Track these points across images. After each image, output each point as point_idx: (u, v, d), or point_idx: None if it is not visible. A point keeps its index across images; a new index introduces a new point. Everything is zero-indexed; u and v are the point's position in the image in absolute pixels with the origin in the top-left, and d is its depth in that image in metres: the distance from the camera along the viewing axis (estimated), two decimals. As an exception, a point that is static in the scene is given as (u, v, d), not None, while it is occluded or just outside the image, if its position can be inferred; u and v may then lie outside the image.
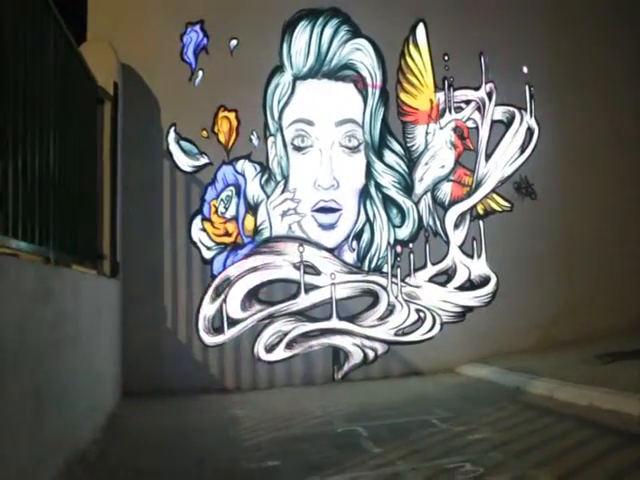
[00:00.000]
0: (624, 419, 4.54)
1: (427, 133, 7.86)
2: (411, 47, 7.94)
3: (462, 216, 7.91)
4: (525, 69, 8.37)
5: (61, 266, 4.20)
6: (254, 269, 7.16)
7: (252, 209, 7.23)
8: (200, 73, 7.23)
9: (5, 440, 2.75)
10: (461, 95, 8.06)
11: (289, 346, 7.21)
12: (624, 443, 3.96)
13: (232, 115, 7.27)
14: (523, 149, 8.27)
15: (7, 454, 2.77)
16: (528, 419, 4.84)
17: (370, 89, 7.62)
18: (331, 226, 7.43)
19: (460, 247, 7.88)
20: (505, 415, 5.03)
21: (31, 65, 3.59)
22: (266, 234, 7.24)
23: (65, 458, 3.82)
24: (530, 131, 8.33)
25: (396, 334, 7.53)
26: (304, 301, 7.25)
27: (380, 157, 7.64)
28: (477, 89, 8.13)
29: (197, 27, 7.26)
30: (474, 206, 7.97)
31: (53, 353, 3.62)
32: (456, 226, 7.88)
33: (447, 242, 7.83)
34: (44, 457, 3.40)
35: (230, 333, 7.06)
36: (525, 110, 8.33)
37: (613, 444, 3.95)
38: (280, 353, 7.18)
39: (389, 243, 7.61)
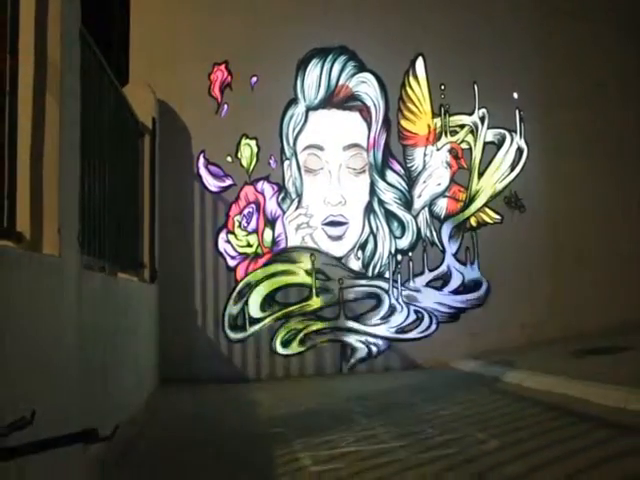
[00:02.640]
0: (571, 401, 5.49)
1: (425, 155, 8.89)
2: (411, 78, 8.97)
3: (457, 228, 8.92)
4: (515, 95, 9.35)
5: (112, 274, 5.34)
6: (272, 275, 8.27)
7: (270, 223, 8.34)
8: (225, 106, 8.37)
9: (84, 401, 3.86)
10: (456, 120, 9.06)
11: (302, 342, 8.29)
12: (560, 417, 4.96)
13: (253, 142, 8.39)
14: (513, 167, 9.24)
15: (82, 412, 3.87)
16: (492, 401, 5.88)
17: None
18: (339, 237, 8.50)
19: (455, 255, 8.89)
20: (475, 398, 6.06)
21: (93, 110, 4.71)
22: (282, 245, 8.35)
23: (119, 422, 4.95)
24: (520, 151, 9.30)
25: (397, 332, 8.56)
26: (315, 303, 8.33)
27: (383, 177, 8.70)
28: (471, 114, 9.13)
29: (222, 67, 8.41)
30: (467, 219, 8.97)
31: (113, 339, 4.76)
32: (451, 237, 8.88)
33: (443, 251, 8.84)
34: (105, 419, 4.52)
35: (251, 330, 8.18)
36: (515, 132, 9.31)
37: (551, 417, 4.97)
38: (294, 348, 8.27)
39: (390, 252, 8.65)
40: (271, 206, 8.37)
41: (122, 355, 5.15)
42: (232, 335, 8.16)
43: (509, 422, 4.90)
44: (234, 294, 8.18)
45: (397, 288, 8.62)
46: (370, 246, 8.61)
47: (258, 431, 5.10)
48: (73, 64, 3.92)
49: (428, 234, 8.80)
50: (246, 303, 8.19)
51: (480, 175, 9.08)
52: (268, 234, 8.31)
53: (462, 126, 9.09)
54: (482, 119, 9.16)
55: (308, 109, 8.56)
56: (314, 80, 8.61)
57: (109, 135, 5.38)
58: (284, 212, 8.39)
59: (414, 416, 5.34)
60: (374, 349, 8.50)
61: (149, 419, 5.54)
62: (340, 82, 8.68)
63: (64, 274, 3.43)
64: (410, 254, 8.72)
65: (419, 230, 8.77)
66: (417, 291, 8.70)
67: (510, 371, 7.10)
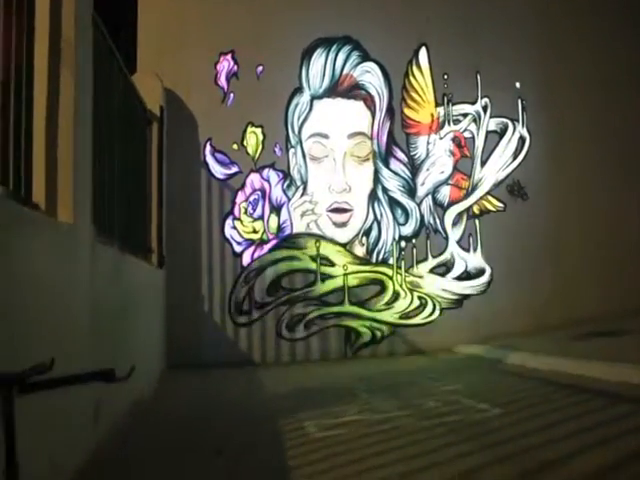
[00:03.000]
0: (574, 378, 5.57)
1: (428, 143, 9.00)
2: (414, 68, 9.09)
3: (460, 215, 9.03)
4: (517, 84, 9.44)
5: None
6: (277, 261, 8.40)
7: (276, 210, 8.47)
8: (231, 95, 8.51)
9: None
10: (459, 109, 9.18)
11: (307, 327, 8.41)
12: (561, 390, 5.07)
13: (258, 130, 8.52)
14: (515, 156, 9.34)
15: (94, 390, 3.99)
16: (495, 379, 6.00)
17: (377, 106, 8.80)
18: (343, 224, 8.63)
19: (458, 242, 9.00)
20: (477, 377, 6.18)
21: (103, 95, 4.85)
22: (288, 231, 8.48)
23: (129, 401, 5.09)
24: (522, 139, 9.40)
25: (400, 318, 8.68)
26: (320, 288, 8.45)
27: (386, 164, 8.81)
28: (473, 103, 9.24)
29: (229, 56, 8.54)
30: (470, 207, 9.08)
31: (123, 316, 4.90)
32: (454, 224, 9.00)
33: (446, 238, 8.96)
34: (115, 399, 4.64)
35: (257, 315, 8.31)
36: (517, 121, 9.41)
37: (552, 391, 5.08)
38: (300, 332, 8.40)
39: (394, 239, 8.77)
40: (276, 193, 8.49)
41: (131, 332, 5.28)
42: (238, 320, 8.29)
43: (511, 395, 5.02)
44: (240, 279, 8.32)
45: (401, 274, 8.73)
46: (374, 233, 8.72)
47: (265, 406, 5.23)
48: (86, 44, 4.06)
49: (431, 221, 8.91)
50: (252, 288, 8.32)
51: (483, 163, 9.18)
52: (273, 221, 8.44)
53: (465, 115, 9.20)
54: (485, 108, 9.26)
55: (313, 98, 8.68)
56: (319, 69, 8.73)
57: (118, 120, 5.52)
58: (289, 199, 8.52)
59: (417, 392, 5.46)
60: (378, 334, 8.61)
61: (159, 395, 5.67)
62: (344, 71, 8.80)
63: (78, 242, 3.57)
64: (414, 241, 8.84)
65: (422, 217, 8.89)
66: (420, 277, 8.81)
67: (513, 353, 7.20)
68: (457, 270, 8.97)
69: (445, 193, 9.01)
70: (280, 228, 8.46)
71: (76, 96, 3.70)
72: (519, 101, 9.43)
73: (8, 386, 1.98)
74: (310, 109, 8.66)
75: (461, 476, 2.91)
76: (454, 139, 9.10)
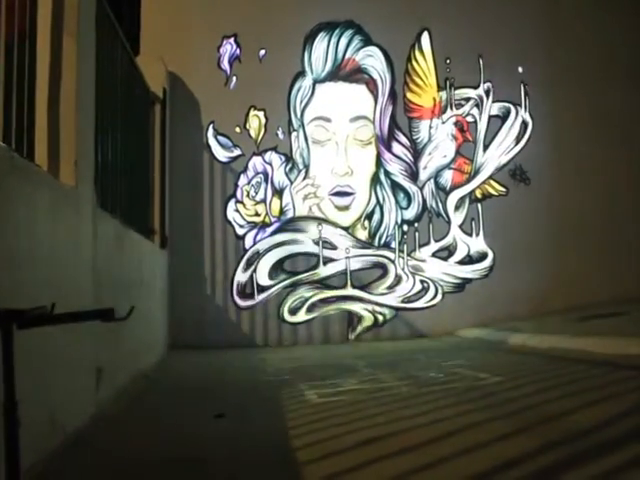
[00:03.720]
0: (573, 352, 5.59)
1: (430, 127, 9.01)
2: (416, 52, 9.10)
3: (462, 199, 9.04)
4: (520, 69, 9.43)
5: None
6: (280, 244, 8.43)
7: (278, 193, 8.50)
8: (234, 78, 8.54)
9: (102, 348, 4.02)
10: (461, 93, 9.17)
11: (309, 310, 8.45)
12: (557, 362, 5.09)
13: (261, 114, 8.55)
14: (518, 140, 9.33)
15: (97, 357, 4.02)
16: (495, 356, 6.02)
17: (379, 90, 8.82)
18: (346, 207, 8.65)
19: (460, 226, 9.01)
20: (478, 354, 6.21)
21: (107, 77, 4.90)
22: (290, 214, 8.51)
23: (131, 374, 5.13)
24: (524, 124, 9.39)
25: (403, 301, 8.70)
26: (323, 272, 8.48)
27: (389, 148, 8.83)
28: (476, 88, 9.24)
29: (231, 40, 8.57)
30: (473, 191, 9.08)
31: (125, 289, 4.94)
32: (456, 208, 9.01)
33: (448, 222, 8.96)
34: (117, 368, 4.68)
35: (259, 298, 8.35)
36: (520, 106, 9.39)
37: (548, 362, 5.11)
38: (302, 316, 8.44)
39: (396, 222, 8.79)
40: (279, 176, 8.52)
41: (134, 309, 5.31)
42: (241, 302, 8.33)
43: (511, 367, 5.06)
44: (242, 262, 8.35)
45: (403, 258, 8.75)
46: (376, 216, 8.75)
47: (267, 378, 5.27)
48: (89, 15, 4.09)
49: (434, 205, 8.93)
50: (254, 271, 8.36)
51: (485, 148, 9.18)
52: (276, 204, 8.47)
53: (467, 99, 9.19)
54: (487, 92, 9.26)
55: (315, 82, 8.71)
56: (321, 53, 8.76)
57: (121, 97, 5.55)
58: (291, 182, 8.55)
59: (418, 366, 5.49)
60: (380, 318, 8.64)
61: (162, 370, 5.72)
62: (347, 55, 8.82)
63: (80, 205, 3.61)
64: (416, 225, 8.85)
65: (425, 201, 8.90)
66: (423, 261, 8.82)
67: (514, 334, 7.22)
68: (459, 254, 8.98)
69: (447, 177, 9.02)
70: (282, 211, 8.49)
71: (78, 64, 3.73)
72: (521, 86, 9.41)
73: (8, 321, 2.01)
74: (312, 93, 8.69)
75: (459, 432, 2.93)
76: (456, 123, 9.10)
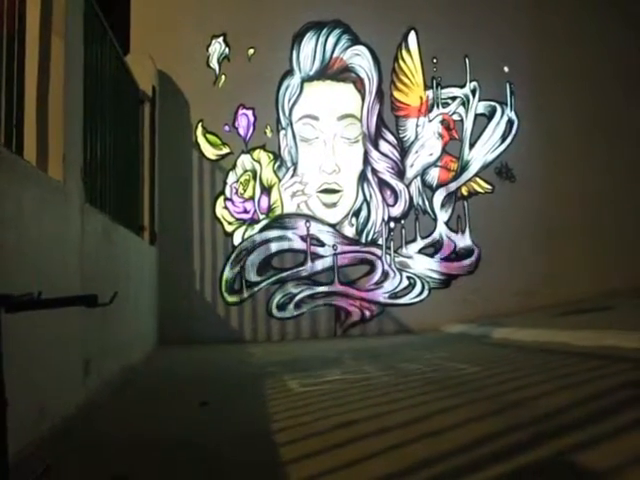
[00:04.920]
0: (553, 345, 5.72)
1: (417, 125, 9.14)
2: (403, 52, 9.22)
3: (448, 197, 9.17)
4: (506, 68, 9.56)
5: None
6: (268, 241, 8.55)
7: (266, 191, 8.61)
8: (223, 77, 8.65)
9: (90, 341, 4.12)
10: (448, 92, 9.31)
11: (297, 306, 8.57)
12: (536, 353, 5.23)
13: (250, 112, 8.67)
14: (504, 138, 9.48)
15: (85, 350, 4.13)
16: (477, 349, 6.14)
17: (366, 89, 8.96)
18: (333, 205, 8.77)
19: (446, 223, 9.14)
20: (461, 348, 6.33)
21: (96, 75, 5.00)
22: (278, 212, 8.62)
23: (120, 365, 5.23)
24: (510, 123, 9.53)
25: (389, 297, 8.83)
26: (310, 268, 8.60)
27: (376, 146, 8.96)
28: (462, 87, 9.37)
29: (220, 39, 8.68)
30: (459, 188, 9.22)
31: (113, 282, 5.04)
32: (443, 205, 9.14)
33: (435, 219, 9.10)
34: (105, 361, 4.78)
35: (248, 294, 8.46)
36: (506, 104, 9.54)
37: (527, 353, 5.24)
38: (290, 311, 8.55)
39: (383, 219, 8.91)
40: (267, 174, 8.64)
41: (122, 301, 5.42)
42: (229, 298, 8.44)
43: (490, 358, 5.20)
44: (231, 259, 8.47)
45: (390, 255, 8.88)
46: (364, 213, 8.87)
47: (252, 371, 5.39)
48: (76, 13, 4.19)
49: (420, 202, 9.06)
50: (243, 267, 8.47)
51: (471, 146, 9.32)
52: (264, 201, 8.59)
53: (454, 98, 9.33)
54: (473, 91, 9.39)
55: (303, 80, 8.83)
56: (309, 52, 8.87)
57: (110, 95, 5.65)
58: (280, 180, 8.66)
59: (401, 358, 5.62)
60: (367, 313, 8.76)
61: (150, 363, 5.83)
62: (334, 55, 8.93)
63: (68, 200, 3.71)
64: (403, 222, 8.98)
65: (411, 198, 9.03)
66: (409, 258, 8.95)
67: (498, 329, 7.36)
68: (445, 251, 9.11)
69: (434, 175, 9.15)
70: (271, 208, 8.61)
71: (66, 62, 3.84)
72: (507, 85, 9.55)
73: (-5, 305, 2.12)
74: (300, 91, 8.81)
75: (430, 416, 3.06)
76: (443, 122, 9.24)
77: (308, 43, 8.89)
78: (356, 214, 8.85)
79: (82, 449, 2.86)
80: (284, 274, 8.56)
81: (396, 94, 9.15)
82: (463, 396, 3.49)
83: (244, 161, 8.60)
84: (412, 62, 9.24)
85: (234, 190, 8.55)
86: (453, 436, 2.66)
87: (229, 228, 8.52)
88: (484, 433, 2.65)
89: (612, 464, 2.16)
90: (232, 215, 8.53)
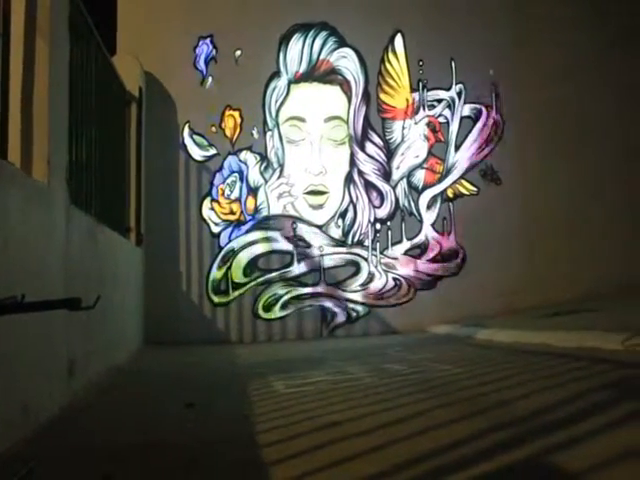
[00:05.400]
0: (534, 346, 5.80)
1: (403, 128, 9.20)
2: (390, 54, 9.28)
3: (434, 199, 9.23)
4: (491, 71, 9.64)
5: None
6: (254, 242, 8.58)
7: (253, 192, 8.63)
8: (210, 79, 8.67)
9: (75, 341, 4.12)
10: (434, 95, 9.37)
11: (284, 307, 8.60)
12: (518, 354, 5.29)
13: (236, 113, 8.69)
14: (489, 141, 9.55)
15: (69, 350, 4.13)
16: (460, 350, 6.20)
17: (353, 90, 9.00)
18: (320, 206, 8.81)
19: (432, 225, 9.20)
20: (445, 349, 6.38)
21: (82, 76, 5.00)
22: (265, 213, 8.65)
23: (105, 366, 5.23)
24: (495, 125, 9.61)
25: (375, 298, 8.87)
26: (297, 269, 8.63)
27: (362, 148, 9.01)
28: (448, 89, 9.44)
29: (208, 40, 8.69)
30: (444, 190, 9.28)
31: (98, 286, 5.04)
32: (428, 207, 9.20)
33: (420, 221, 9.16)
34: (90, 362, 4.78)
35: (234, 295, 8.48)
36: (491, 107, 9.61)
37: (508, 354, 5.30)
38: (276, 312, 8.58)
39: (370, 221, 8.96)
40: (254, 175, 8.66)
41: (108, 302, 5.42)
42: (216, 299, 8.45)
43: (473, 359, 5.24)
44: (217, 260, 8.48)
45: (376, 256, 8.92)
46: (350, 215, 8.91)
47: (237, 371, 5.41)
48: (61, 16, 4.20)
49: (406, 204, 9.11)
50: (229, 268, 8.48)
51: (457, 148, 9.38)
52: (251, 202, 8.61)
53: (439, 100, 9.40)
54: (459, 94, 9.46)
55: (290, 82, 8.86)
56: (296, 54, 8.90)
57: (96, 96, 5.64)
58: (266, 181, 8.69)
59: (385, 360, 5.65)
60: (353, 314, 8.80)
61: (136, 364, 5.83)
62: (321, 57, 8.97)
63: (52, 202, 3.71)
64: (389, 223, 9.03)
65: (397, 200, 9.08)
66: (395, 259, 9.00)
67: (482, 330, 7.43)
68: (431, 252, 9.17)
69: (420, 177, 9.21)
70: (257, 210, 8.63)
71: (51, 64, 3.84)
72: (492, 87, 9.63)
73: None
74: (287, 93, 8.84)
75: (412, 417, 3.10)
76: (429, 124, 9.30)
77: (295, 45, 8.92)
78: (342, 215, 8.89)
79: (65, 451, 2.86)
80: (270, 275, 8.58)
81: (382, 96, 9.20)
82: (446, 397, 3.53)
83: (231, 162, 8.62)
84: (398, 64, 9.30)
85: (221, 191, 8.55)
86: (435, 437, 2.70)
87: (215, 229, 8.53)
88: (466, 434, 2.68)
89: (591, 464, 2.20)
90: (218, 216, 8.54)
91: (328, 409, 3.41)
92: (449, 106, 9.43)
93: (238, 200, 8.59)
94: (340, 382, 4.39)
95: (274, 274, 8.59)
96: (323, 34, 9.01)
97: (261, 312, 8.55)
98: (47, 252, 3.61)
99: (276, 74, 8.84)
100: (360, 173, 8.98)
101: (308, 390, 4.12)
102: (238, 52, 8.73)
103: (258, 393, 4.16)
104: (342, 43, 9.07)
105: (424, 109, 9.31)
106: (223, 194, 8.56)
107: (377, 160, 9.06)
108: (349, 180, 8.93)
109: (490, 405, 3.24)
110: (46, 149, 3.72)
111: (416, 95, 9.31)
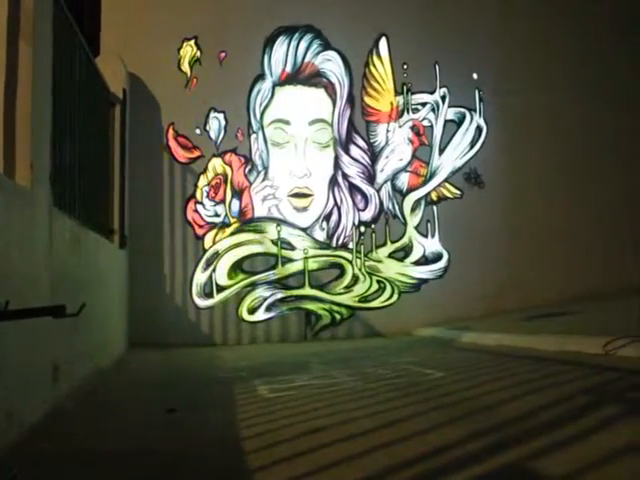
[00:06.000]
0: (518, 349, 5.85)
1: (388, 131, 9.23)
2: (374, 58, 9.31)
3: (418, 202, 9.28)
4: (475, 76, 9.71)
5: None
6: (239, 244, 8.56)
7: (237, 194, 8.62)
8: (194, 81, 8.63)
9: (58, 346, 4.09)
10: (418, 98, 9.42)
11: (268, 309, 8.59)
12: (501, 358, 5.33)
13: (221, 116, 8.67)
14: (473, 144, 9.61)
15: (53, 355, 4.09)
16: (445, 353, 6.24)
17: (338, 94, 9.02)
18: (304, 209, 8.82)
19: (416, 228, 9.24)
20: (429, 352, 6.42)
21: (65, 78, 4.96)
22: (249, 215, 8.64)
23: (89, 370, 5.19)
24: (479, 129, 9.68)
25: (359, 301, 8.90)
26: (281, 272, 8.63)
27: (347, 151, 9.03)
28: (432, 93, 9.49)
29: (192, 42, 8.66)
30: (428, 193, 9.33)
31: (82, 288, 5.00)
32: (412, 210, 9.24)
33: (404, 224, 9.19)
34: (74, 366, 4.73)
35: (218, 297, 8.46)
36: (475, 111, 9.68)
37: (492, 358, 5.34)
38: (260, 315, 8.57)
39: (354, 224, 8.98)
40: (238, 178, 8.65)
41: (89, 306, 5.38)
42: (200, 302, 8.43)
43: (457, 363, 5.29)
44: (202, 262, 8.45)
45: (360, 258, 8.95)
46: (334, 217, 8.93)
47: (222, 375, 5.40)
48: (45, 17, 4.17)
49: (390, 207, 9.14)
50: (214, 271, 8.46)
51: (441, 151, 9.43)
52: (235, 205, 8.60)
53: (424, 104, 9.44)
54: (443, 98, 9.52)
55: (275, 85, 8.86)
56: (281, 57, 8.91)
57: (80, 98, 5.60)
58: (251, 184, 8.68)
59: (369, 363, 5.67)
60: (337, 317, 8.82)
61: (120, 368, 5.80)
62: (306, 59, 8.98)
63: (36, 207, 3.69)
64: (373, 226, 9.06)
65: (382, 203, 9.11)
66: (379, 262, 9.03)
67: (466, 333, 7.47)
68: (415, 255, 9.21)
69: (404, 180, 9.25)
70: (242, 212, 8.62)
71: (34, 66, 3.81)
72: (476, 91, 9.69)
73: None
74: (272, 96, 8.84)
75: (396, 422, 3.11)
76: (413, 127, 9.34)
77: (280, 48, 8.93)
78: (327, 218, 8.90)
79: (48, 458, 2.85)
80: (255, 278, 8.57)
81: (367, 99, 9.23)
82: (429, 402, 3.56)
83: (215, 164, 8.60)
84: (383, 68, 9.33)
85: (205, 194, 8.53)
86: (420, 442, 2.72)
87: (200, 231, 8.51)
88: (451, 439, 2.71)
89: (574, 469, 2.23)
90: (203, 219, 8.52)
91: (313, 414, 3.42)
92: (433, 110, 9.47)
93: (223, 202, 8.57)
94: (324, 386, 4.40)
95: (259, 277, 8.58)
96: (308, 37, 9.02)
97: (245, 315, 8.54)
98: (31, 257, 3.59)
99: (261, 76, 8.84)
100: (344, 176, 9.00)
101: (292, 395, 4.12)
102: (222, 54, 8.72)
103: (242, 398, 4.15)
104: (327, 46, 9.09)
105: (408, 112, 9.35)
106: (207, 196, 8.53)
107: (361, 163, 9.09)
108: (333, 183, 8.95)
109: (474, 409, 3.27)
110: (29, 153, 3.69)
111: (400, 98, 9.35)
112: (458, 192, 9.49)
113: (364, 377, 4.75)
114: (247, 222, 8.63)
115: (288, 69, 8.89)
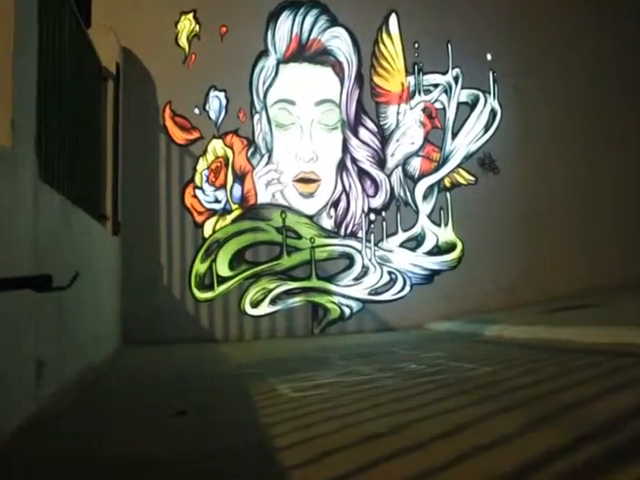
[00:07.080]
0: (550, 342, 5.31)
1: (398, 113, 8.66)
2: (384, 35, 8.74)
3: (430, 188, 8.72)
4: (489, 56, 9.17)
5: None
6: (241, 232, 7.95)
7: (239, 179, 8.02)
8: (193, 56, 8.01)
9: (43, 339, 3.49)
10: (430, 79, 8.86)
11: (272, 302, 7.99)
12: (541, 352, 4.79)
13: (221, 94, 8.06)
14: (487, 128, 9.07)
15: (36, 349, 3.49)
16: (474, 347, 5.68)
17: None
18: (311, 195, 8.23)
19: (429, 216, 8.68)
20: (455, 346, 5.86)
21: (52, 40, 4.34)
22: (252, 201, 8.04)
23: (79, 368, 4.58)
24: (493, 112, 9.13)
25: (370, 293, 8.32)
26: (286, 262, 8.04)
27: (355, 134, 8.45)
28: (444, 74, 8.93)
29: (190, 15, 8.04)
30: (441, 179, 8.77)
31: (71, 270, 4.38)
32: (425, 197, 8.68)
33: (416, 211, 8.63)
34: (62, 362, 4.13)
35: (219, 290, 7.85)
36: (489, 93, 9.14)
37: (532, 353, 4.79)
38: (264, 308, 7.97)
39: (363, 211, 8.41)
40: (240, 161, 8.04)
41: (80, 295, 4.76)
42: (199, 295, 7.82)
43: (495, 357, 4.71)
44: (201, 252, 7.85)
45: (370, 248, 8.38)
46: (343, 204, 8.35)
47: (230, 373, 4.80)
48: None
49: (402, 194, 8.58)
50: (214, 261, 7.85)
51: (454, 135, 8.89)
52: (237, 190, 8.00)
53: (436, 85, 8.89)
54: (456, 79, 8.97)
55: (279, 62, 8.26)
56: (285, 33, 8.31)
57: (69, 67, 4.99)
58: (254, 167, 8.08)
59: (395, 358, 5.12)
60: (347, 311, 8.24)
61: (113, 366, 5.19)
62: (312, 36, 8.39)
63: (18, 171, 3.08)
64: (383, 214, 8.50)
65: (392, 189, 8.55)
66: (390, 252, 8.47)
67: (488, 326, 6.92)
68: (428, 245, 8.66)
69: (415, 165, 8.68)
70: (244, 198, 8.02)
71: (17, 22, 3.21)
72: (490, 73, 9.16)
73: None
74: (276, 74, 8.24)
75: (471, 426, 2.54)
76: (425, 109, 8.78)
77: (284, 23, 8.33)
78: (335, 205, 8.32)
79: (33, 467, 2.26)
80: (258, 268, 7.97)
81: (376, 79, 8.66)
82: (496, 400, 2.99)
83: (215, 147, 7.99)
84: (393, 46, 8.77)
85: (204, 178, 7.92)
86: (516, 449, 2.14)
87: (199, 218, 7.89)
88: (551, 443, 2.13)
89: None
90: (202, 205, 7.91)
91: (357, 417, 2.84)
92: (445, 91, 8.92)
93: (223, 187, 7.96)
94: (356, 384, 3.81)
95: (262, 267, 7.98)
96: (314, 12, 8.44)
97: (248, 308, 7.93)
98: (12, 230, 2.98)
99: (264, 53, 8.23)
100: (353, 160, 8.42)
101: (322, 394, 3.53)
102: (223, 29, 8.10)
103: (262, 398, 3.56)
104: (334, 22, 8.50)
105: (420, 94, 8.79)
106: (207, 181, 7.92)
107: (371, 146, 8.51)
108: (342, 167, 8.36)
109: (561, 408, 2.69)
110: (9, 108, 3.08)
111: (411, 79, 8.78)
112: (472, 178, 8.94)
113: (399, 373, 4.16)
114: (250, 209, 8.02)
115: (293, 46, 8.29)
